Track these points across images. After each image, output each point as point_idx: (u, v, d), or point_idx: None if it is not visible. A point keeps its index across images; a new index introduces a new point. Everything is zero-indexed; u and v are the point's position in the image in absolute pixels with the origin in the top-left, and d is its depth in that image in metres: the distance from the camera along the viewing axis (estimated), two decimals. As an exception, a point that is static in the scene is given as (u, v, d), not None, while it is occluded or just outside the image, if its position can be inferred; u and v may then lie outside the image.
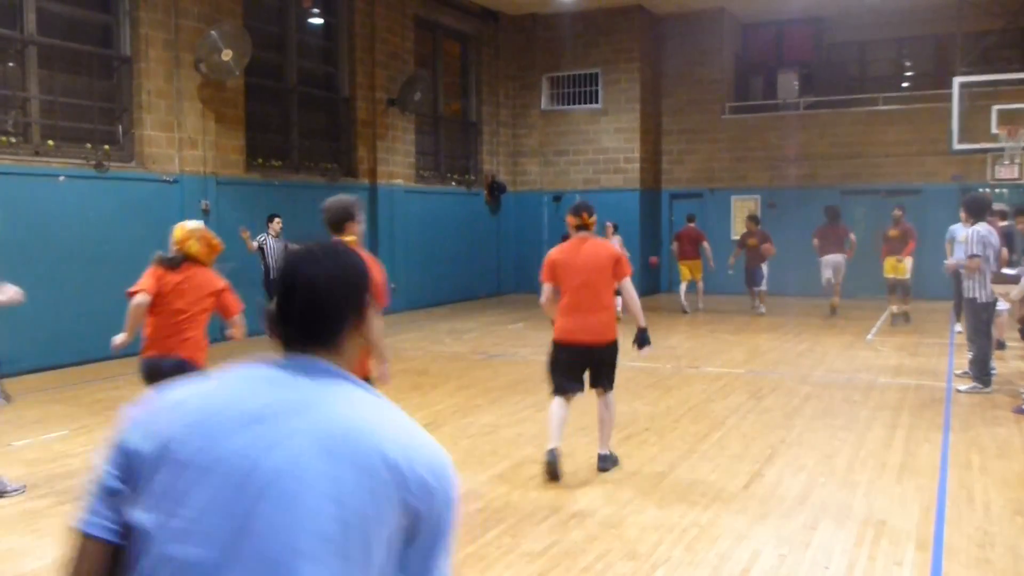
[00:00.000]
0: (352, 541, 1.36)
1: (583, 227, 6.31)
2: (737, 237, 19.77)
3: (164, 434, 1.45)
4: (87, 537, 1.48)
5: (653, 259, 19.72)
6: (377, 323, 4.16)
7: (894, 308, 14.91)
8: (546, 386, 9.36)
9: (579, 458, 6.61)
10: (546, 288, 6.36)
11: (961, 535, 4.96)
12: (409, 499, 1.43)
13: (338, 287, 1.61)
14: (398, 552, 1.44)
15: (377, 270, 4.04)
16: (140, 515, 1.41)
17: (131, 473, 1.45)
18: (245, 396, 1.50)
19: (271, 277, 12.62)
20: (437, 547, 1.52)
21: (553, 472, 6.01)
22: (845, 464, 6.43)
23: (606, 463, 6.35)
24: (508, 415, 8.11)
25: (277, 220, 12.71)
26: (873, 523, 5.17)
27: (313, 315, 1.59)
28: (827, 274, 15.78)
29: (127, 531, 1.44)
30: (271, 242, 12.65)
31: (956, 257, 10.11)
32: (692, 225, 17.35)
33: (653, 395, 8.99)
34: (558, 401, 6.27)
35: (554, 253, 6.37)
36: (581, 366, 6.26)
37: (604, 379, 6.34)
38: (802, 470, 6.27)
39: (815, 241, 16.03)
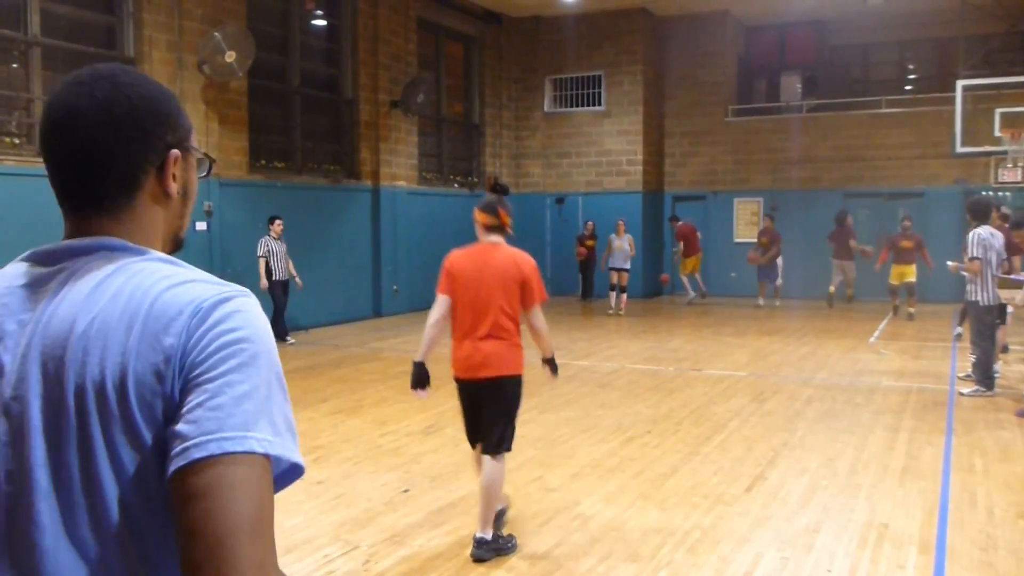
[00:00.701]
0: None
1: (496, 229, 4.93)
2: (738, 240, 19.93)
3: None
4: None
5: (664, 277, 19.74)
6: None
7: (897, 303, 15.83)
8: (547, 390, 9.39)
9: (580, 459, 6.61)
10: (439, 301, 4.89)
11: (964, 538, 4.95)
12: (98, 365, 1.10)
13: (117, 118, 1.21)
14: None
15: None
16: None
17: None
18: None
19: (273, 279, 12.63)
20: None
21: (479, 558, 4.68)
22: (847, 467, 6.42)
23: (482, 550, 4.67)
24: (510, 417, 8.11)
25: (279, 222, 12.73)
26: (876, 526, 5.17)
27: (83, 160, 1.21)
28: (839, 276, 17.20)
29: None
30: (273, 245, 12.66)
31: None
32: (682, 223, 18.79)
33: (655, 397, 8.99)
34: (476, 455, 5.04)
35: (454, 257, 4.91)
36: (474, 410, 4.95)
37: (489, 432, 4.83)
38: (804, 473, 6.26)
39: (830, 244, 17.33)
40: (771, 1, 19.13)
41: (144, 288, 1.13)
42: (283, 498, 4.51)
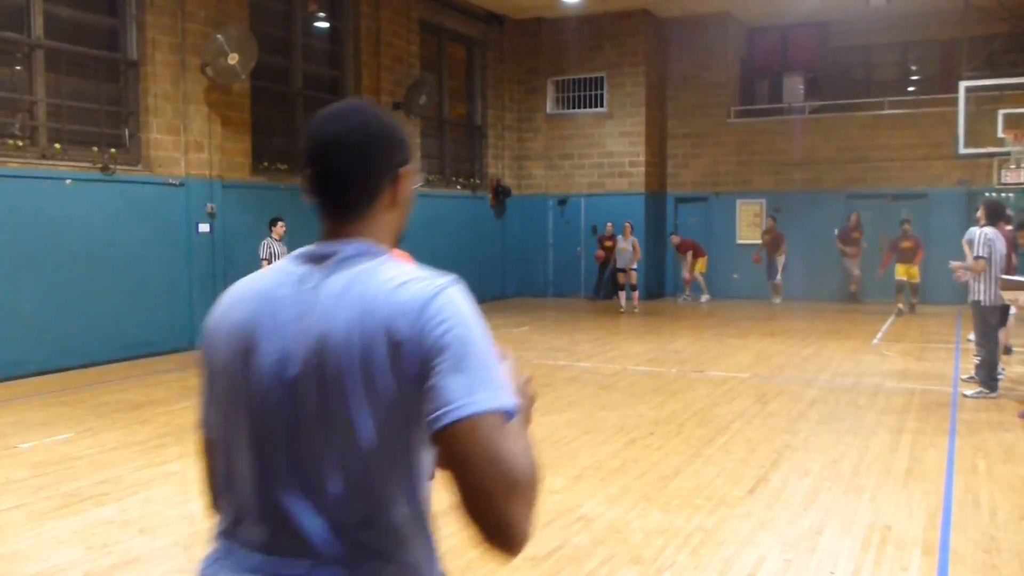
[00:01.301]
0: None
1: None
2: (741, 241, 20.02)
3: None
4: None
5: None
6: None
7: (901, 305, 16.43)
8: (549, 391, 9.39)
9: (583, 461, 6.61)
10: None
11: (967, 540, 4.94)
12: (384, 345, 1.46)
13: (361, 144, 1.60)
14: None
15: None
16: None
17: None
18: (274, 278, 1.62)
19: None
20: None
21: None
22: (851, 469, 6.42)
23: None
24: (513, 419, 8.10)
25: (281, 224, 12.73)
26: (879, 528, 5.16)
27: (337, 175, 1.61)
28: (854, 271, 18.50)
29: None
30: (276, 247, 12.66)
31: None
32: (680, 240, 19.76)
33: (657, 399, 8.98)
34: None
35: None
36: None
37: None
38: (807, 475, 6.25)
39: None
40: (773, 2, 19.13)
41: (383, 288, 1.49)
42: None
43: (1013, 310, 9.23)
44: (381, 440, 1.47)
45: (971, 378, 9.40)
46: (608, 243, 18.92)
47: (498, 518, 1.42)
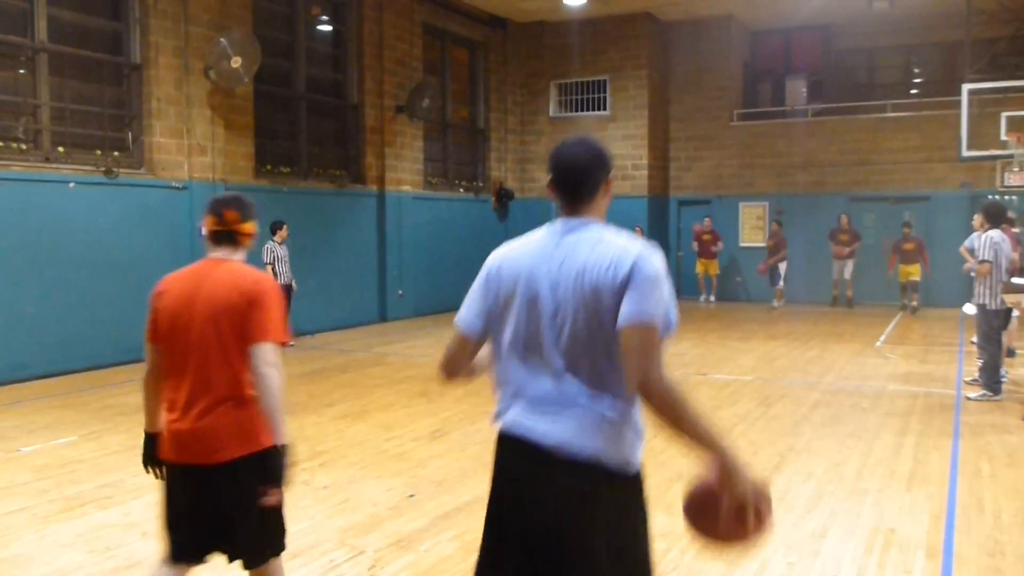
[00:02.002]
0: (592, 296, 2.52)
1: (226, 237, 3.51)
2: (744, 244, 20.04)
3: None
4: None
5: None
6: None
7: (906, 301, 17.36)
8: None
9: (587, 465, 6.60)
10: (147, 351, 3.51)
11: (971, 544, 4.93)
12: (616, 279, 2.47)
13: (585, 161, 2.67)
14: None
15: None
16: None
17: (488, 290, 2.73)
18: (540, 245, 2.66)
19: (279, 283, 12.63)
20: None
21: None
22: (854, 472, 6.41)
23: None
24: (516, 422, 8.10)
25: (284, 228, 12.74)
26: (882, 531, 5.15)
27: (571, 180, 2.67)
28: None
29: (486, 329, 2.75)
30: (278, 250, 12.66)
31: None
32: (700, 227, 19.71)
33: (661, 402, 8.96)
34: (165, 572, 3.45)
35: (163, 283, 3.58)
36: (193, 509, 3.37)
37: (240, 538, 3.37)
38: (811, 478, 6.25)
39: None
40: (776, 5, 19.12)
41: (614, 245, 2.52)
42: (289, 502, 4.46)
43: (1015, 313, 9.21)
44: (608, 324, 2.46)
45: (974, 381, 9.38)
46: None
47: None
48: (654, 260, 2.48)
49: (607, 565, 2.49)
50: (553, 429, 2.51)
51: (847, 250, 18.00)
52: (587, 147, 2.68)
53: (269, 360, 3.25)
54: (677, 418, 2.44)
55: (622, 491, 2.63)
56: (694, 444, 2.50)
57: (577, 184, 2.65)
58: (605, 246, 2.53)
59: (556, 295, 2.54)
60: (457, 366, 2.85)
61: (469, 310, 2.76)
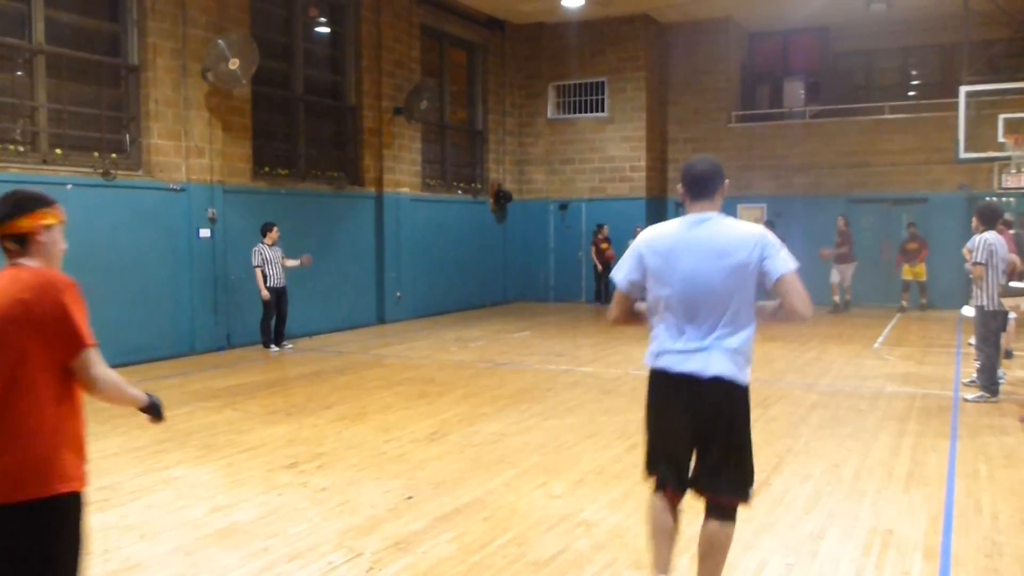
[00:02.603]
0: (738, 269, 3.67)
1: (13, 242, 3.17)
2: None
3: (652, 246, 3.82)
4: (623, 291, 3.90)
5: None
6: (97, 368, 2.98)
7: (905, 303, 17.54)
8: (551, 396, 9.38)
9: (585, 466, 6.60)
10: None
11: (969, 545, 4.94)
12: (747, 252, 3.68)
13: (709, 172, 3.81)
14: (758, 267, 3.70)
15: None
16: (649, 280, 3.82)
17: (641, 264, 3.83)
18: (683, 230, 3.78)
19: (268, 286, 12.62)
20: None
21: None
22: (852, 473, 6.41)
23: None
24: (514, 423, 8.11)
25: (274, 230, 12.72)
26: (880, 532, 5.16)
27: (699, 185, 3.80)
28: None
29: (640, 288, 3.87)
30: (267, 253, 12.63)
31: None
32: None
33: (659, 404, 8.97)
34: None
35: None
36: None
37: None
38: (809, 479, 6.25)
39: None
40: (774, 7, 19.14)
41: (740, 228, 3.72)
42: (287, 504, 4.44)
43: (1013, 315, 9.22)
44: (743, 282, 3.67)
45: (972, 382, 9.39)
46: (604, 245, 18.92)
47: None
48: (771, 235, 3.76)
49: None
50: (715, 364, 3.72)
51: (834, 253, 17.80)
52: (710, 162, 3.89)
53: (96, 366, 2.94)
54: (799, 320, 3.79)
55: (740, 395, 3.94)
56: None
57: (704, 188, 3.80)
58: (731, 229, 3.73)
59: (699, 266, 3.68)
60: (619, 315, 4.01)
61: (624, 276, 3.89)
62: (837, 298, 17.82)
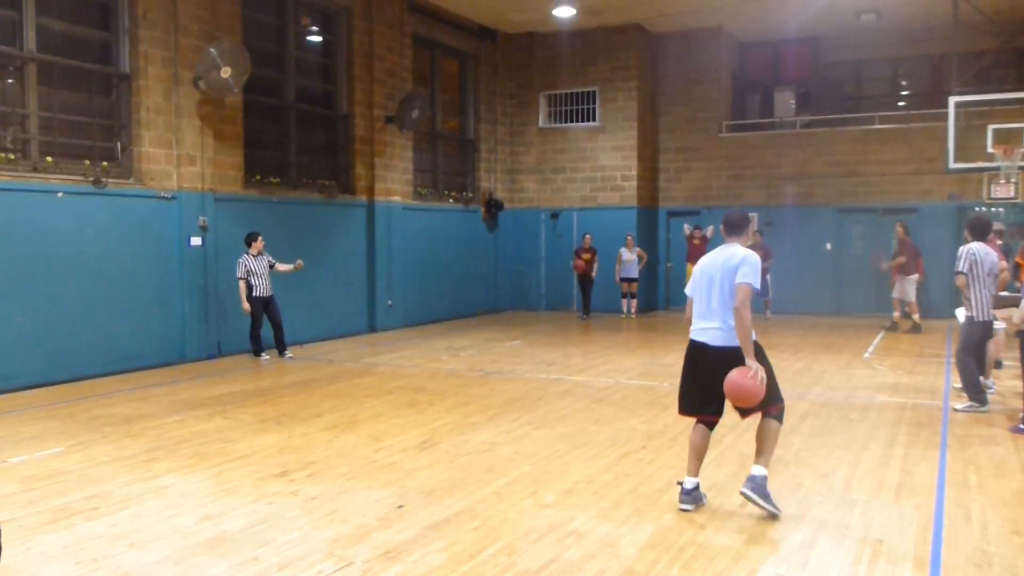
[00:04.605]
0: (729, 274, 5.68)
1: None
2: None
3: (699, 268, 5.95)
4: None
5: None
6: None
7: (896, 315, 16.49)
8: (542, 405, 9.38)
9: (575, 475, 6.60)
10: None
11: (958, 554, 4.95)
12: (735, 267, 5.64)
13: (737, 220, 5.90)
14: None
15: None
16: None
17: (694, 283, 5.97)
18: (715, 255, 5.88)
19: (254, 295, 12.60)
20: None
21: None
22: (842, 482, 6.42)
23: None
24: (505, 433, 8.10)
25: (260, 240, 12.70)
26: (871, 542, 5.16)
27: (730, 228, 5.89)
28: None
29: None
30: (252, 264, 12.60)
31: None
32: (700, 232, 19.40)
33: (650, 413, 8.98)
34: None
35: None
36: None
37: None
38: (799, 489, 6.26)
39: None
40: (765, 17, 19.23)
41: (740, 251, 5.73)
42: (277, 513, 4.43)
43: (1003, 325, 9.24)
44: (730, 287, 5.61)
45: (962, 389, 9.38)
46: (586, 255, 18.84)
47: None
48: (751, 256, 5.65)
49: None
50: (713, 335, 5.72)
51: (889, 264, 16.58)
52: (742, 214, 5.95)
53: None
54: (741, 327, 5.51)
55: (735, 353, 5.60)
56: (742, 343, 5.50)
57: (733, 229, 5.89)
58: (735, 253, 5.71)
59: (719, 276, 5.69)
60: (689, 314, 5.96)
61: (690, 288, 5.97)
62: (896, 314, 16.27)
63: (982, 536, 5.26)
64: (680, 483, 5.86)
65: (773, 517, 5.53)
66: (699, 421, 5.89)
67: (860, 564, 4.83)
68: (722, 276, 5.62)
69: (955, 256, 9.24)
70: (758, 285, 5.50)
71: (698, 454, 5.85)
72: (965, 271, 8.79)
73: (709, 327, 5.69)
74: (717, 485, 6.35)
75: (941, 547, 5.07)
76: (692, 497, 5.76)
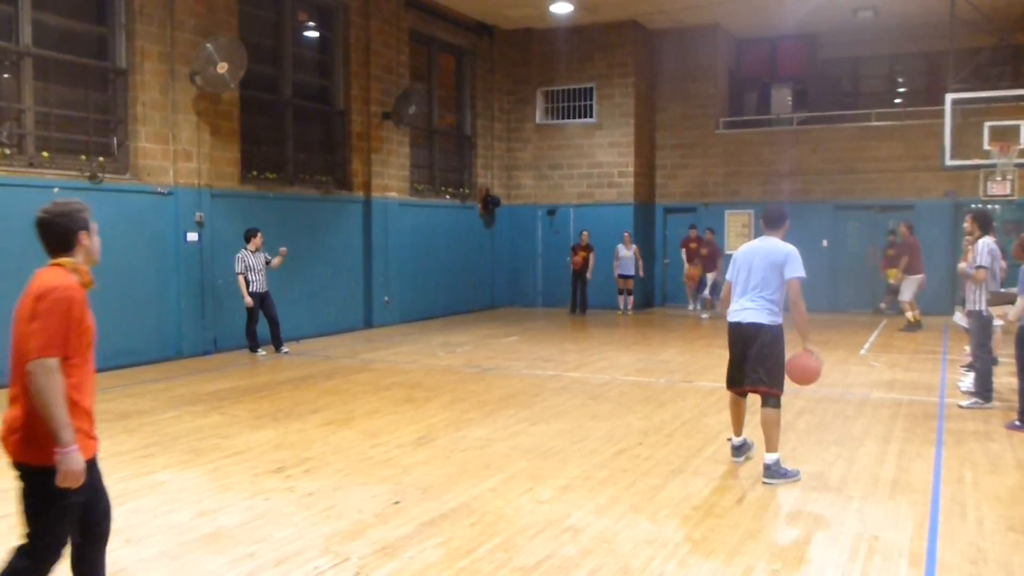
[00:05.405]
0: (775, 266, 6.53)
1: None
2: (730, 251, 20.09)
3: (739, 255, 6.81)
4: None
5: None
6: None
7: (884, 306, 17.27)
8: (538, 401, 9.38)
9: (571, 471, 6.61)
10: None
11: (954, 551, 4.96)
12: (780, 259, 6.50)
13: (777, 215, 6.76)
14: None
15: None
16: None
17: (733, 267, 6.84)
18: (754, 244, 6.76)
19: (251, 291, 12.59)
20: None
21: None
22: (838, 479, 6.43)
23: None
24: (501, 429, 8.11)
25: (258, 236, 12.69)
26: (866, 538, 5.17)
27: (769, 222, 6.75)
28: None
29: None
30: (250, 259, 12.59)
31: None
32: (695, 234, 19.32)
33: (646, 409, 8.99)
34: None
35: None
36: None
37: None
38: (795, 485, 6.27)
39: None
40: (762, 14, 19.22)
41: (781, 245, 6.62)
42: (273, 509, 4.43)
43: (999, 322, 9.25)
44: (777, 274, 6.50)
45: (973, 383, 9.29)
46: (583, 253, 18.88)
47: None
48: (794, 251, 6.45)
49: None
50: (745, 315, 6.53)
51: (885, 261, 17.36)
52: (780, 208, 6.76)
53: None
54: (800, 317, 6.45)
55: (762, 328, 6.48)
56: (801, 331, 6.51)
57: (772, 223, 6.68)
58: (776, 245, 6.51)
59: (757, 264, 6.51)
60: (727, 299, 6.75)
61: (730, 272, 6.73)
62: (910, 314, 15.82)
63: (977, 532, 5.27)
64: (729, 439, 7.05)
65: (797, 481, 6.34)
66: (735, 393, 6.83)
67: (856, 560, 4.84)
68: (762, 264, 6.50)
69: (952, 252, 9.24)
70: (805, 275, 6.45)
71: (736, 418, 6.87)
72: (987, 264, 8.75)
73: (745, 307, 6.53)
74: (714, 482, 6.35)
75: (936, 543, 5.08)
76: (740, 451, 6.88)
